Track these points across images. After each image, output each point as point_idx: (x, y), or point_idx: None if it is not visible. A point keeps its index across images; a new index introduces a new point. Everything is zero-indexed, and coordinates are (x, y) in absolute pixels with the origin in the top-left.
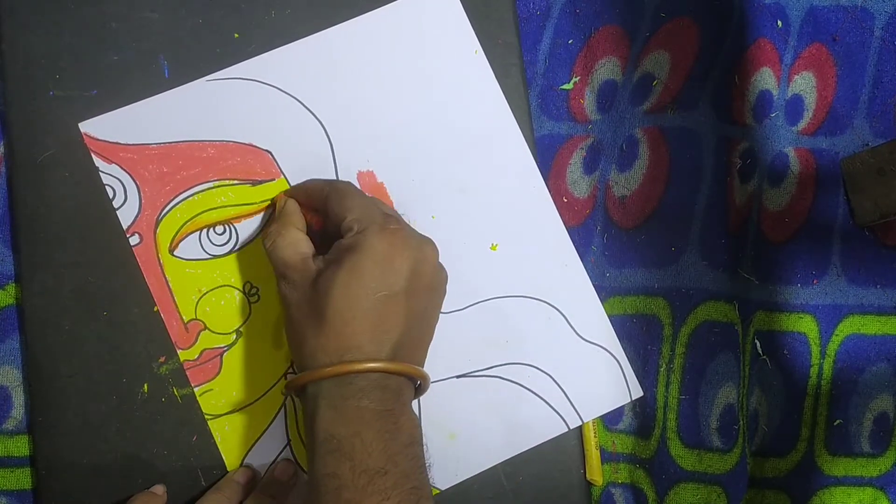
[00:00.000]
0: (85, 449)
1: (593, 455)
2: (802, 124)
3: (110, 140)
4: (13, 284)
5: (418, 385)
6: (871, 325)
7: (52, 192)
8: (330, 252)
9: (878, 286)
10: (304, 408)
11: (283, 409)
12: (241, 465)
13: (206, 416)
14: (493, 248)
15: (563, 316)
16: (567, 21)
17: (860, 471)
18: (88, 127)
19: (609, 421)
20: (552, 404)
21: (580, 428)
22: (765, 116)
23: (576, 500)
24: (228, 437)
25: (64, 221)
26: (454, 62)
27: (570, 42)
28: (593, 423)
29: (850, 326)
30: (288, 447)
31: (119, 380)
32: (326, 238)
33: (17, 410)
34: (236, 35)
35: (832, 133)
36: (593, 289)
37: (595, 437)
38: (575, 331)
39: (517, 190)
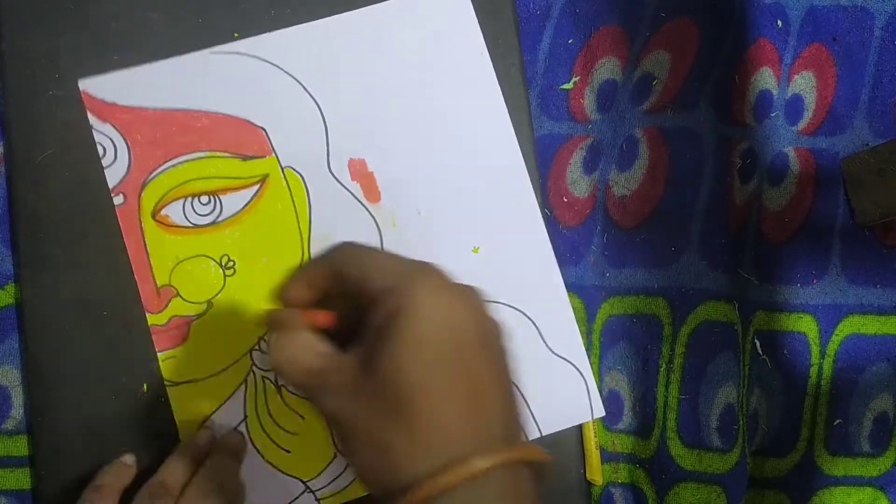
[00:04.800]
0: (85, 449)
1: (593, 455)
2: (802, 124)
3: (107, 99)
4: (13, 284)
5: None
6: (871, 325)
7: (52, 192)
8: (366, 331)
9: (878, 286)
10: None
11: (244, 385)
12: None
13: (167, 383)
14: (474, 250)
15: (536, 327)
16: (567, 21)
17: (860, 471)
18: (87, 84)
19: (609, 421)
20: None
21: (580, 427)
22: (765, 116)
23: (576, 500)
24: (185, 406)
25: (64, 221)
26: (459, 62)
27: (570, 42)
28: (593, 422)
29: (849, 326)
30: (244, 422)
31: (119, 380)
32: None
33: (17, 410)
34: (236, 35)
35: (832, 133)
36: (569, 304)
37: (595, 436)
38: (546, 343)
39: (506, 196)
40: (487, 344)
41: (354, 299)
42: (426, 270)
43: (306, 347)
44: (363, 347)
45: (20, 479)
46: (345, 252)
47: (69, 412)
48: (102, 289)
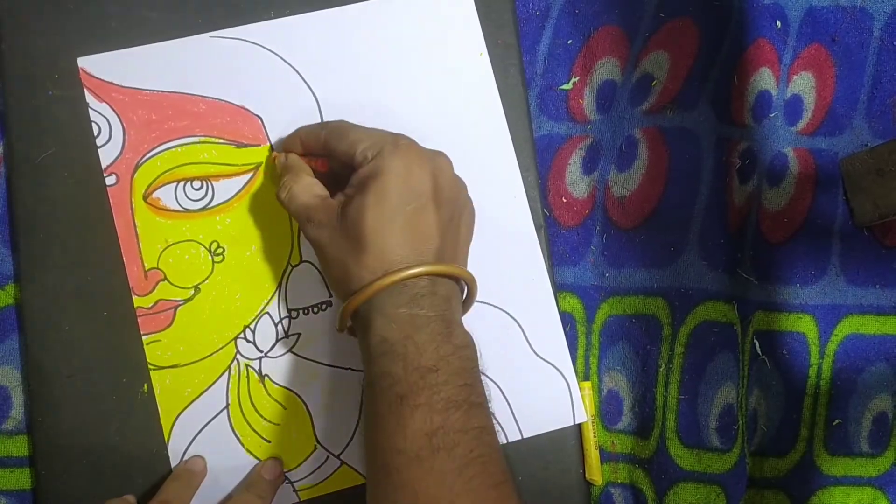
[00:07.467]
0: (85, 449)
1: (592, 455)
2: (801, 124)
3: (105, 79)
4: (13, 284)
5: (466, 295)
6: (870, 325)
7: (52, 192)
8: (349, 185)
9: (877, 286)
10: (357, 329)
11: (227, 373)
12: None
13: (150, 367)
14: None
15: (521, 329)
16: (566, 21)
17: (859, 471)
18: (86, 63)
19: (608, 421)
20: (494, 415)
21: (579, 427)
22: (764, 116)
23: (575, 500)
24: (168, 391)
25: (64, 221)
26: (458, 62)
27: (569, 42)
28: (593, 422)
29: (848, 326)
30: (226, 410)
31: (119, 380)
32: (333, 179)
33: (17, 410)
34: None
35: (831, 133)
36: (556, 307)
37: (594, 436)
38: (530, 346)
39: (498, 198)
40: (439, 199)
41: (342, 161)
42: (399, 141)
43: (307, 187)
44: (343, 196)
45: (20, 479)
46: (333, 128)
47: (69, 412)
48: (102, 289)
